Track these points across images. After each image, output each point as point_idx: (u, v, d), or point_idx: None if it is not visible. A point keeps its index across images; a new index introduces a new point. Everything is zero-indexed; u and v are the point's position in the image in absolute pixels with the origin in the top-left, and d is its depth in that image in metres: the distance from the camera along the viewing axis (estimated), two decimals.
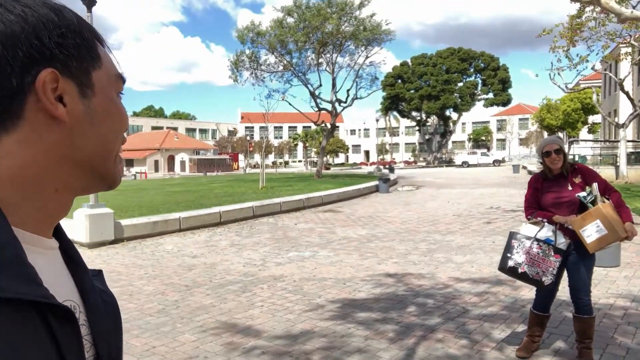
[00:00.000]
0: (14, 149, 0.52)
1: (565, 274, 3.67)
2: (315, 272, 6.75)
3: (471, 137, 79.81)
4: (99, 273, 0.69)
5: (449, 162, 59.85)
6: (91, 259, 7.78)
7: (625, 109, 29.28)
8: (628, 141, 22.08)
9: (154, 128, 75.99)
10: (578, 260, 3.55)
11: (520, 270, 3.57)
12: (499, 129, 79.13)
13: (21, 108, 0.51)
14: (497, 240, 8.61)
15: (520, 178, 26.78)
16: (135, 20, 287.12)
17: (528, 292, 5.23)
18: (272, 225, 11.44)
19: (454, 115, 62.42)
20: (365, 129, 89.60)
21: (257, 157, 67.01)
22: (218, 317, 4.91)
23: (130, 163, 58.60)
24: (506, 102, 59.56)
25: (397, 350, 3.95)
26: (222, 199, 15.93)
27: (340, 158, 78.66)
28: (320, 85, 31.80)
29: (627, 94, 20.68)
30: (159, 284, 6.31)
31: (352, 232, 10.14)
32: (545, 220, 3.63)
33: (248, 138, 66.91)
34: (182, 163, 57.94)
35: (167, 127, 75.26)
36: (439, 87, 57.92)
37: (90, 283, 0.63)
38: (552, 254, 3.53)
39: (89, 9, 9.29)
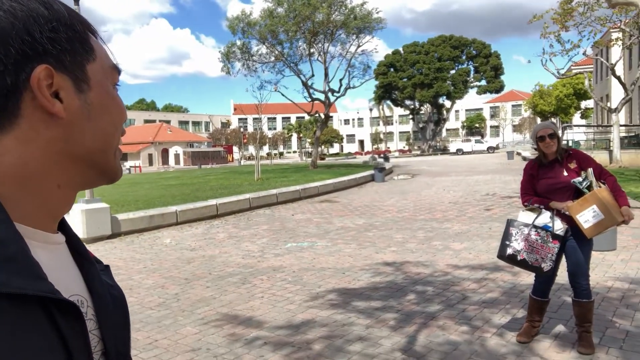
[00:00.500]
0: (12, 147, 0.51)
1: (563, 259, 3.70)
2: (314, 262, 6.78)
3: (465, 124, 79.88)
4: (106, 268, 0.69)
5: (444, 150, 59.94)
6: None
7: (617, 93, 29.37)
8: (621, 125, 22.18)
9: (146, 121, 75.42)
10: (576, 245, 3.58)
11: (519, 258, 3.60)
12: (492, 116, 79.20)
13: (17, 106, 0.51)
14: (493, 227, 8.66)
15: (515, 164, 26.88)
16: (124, 12, 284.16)
17: (527, 278, 5.28)
18: (269, 217, 11.45)
19: (447, 103, 62.42)
20: (359, 119, 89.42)
21: (251, 149, 66.82)
22: (219, 309, 4.92)
23: (124, 157, 58.08)
24: (499, 89, 59.61)
25: (399, 338, 3.99)
26: (218, 191, 15.90)
27: (335, 148, 78.59)
28: (313, 75, 31.70)
29: (618, 78, 20.76)
30: (158, 277, 6.31)
31: (350, 222, 10.17)
32: (542, 206, 3.65)
33: (242, 130, 66.61)
34: (176, 156, 57.70)
35: (160, 120, 74.73)
36: (432, 75, 57.84)
37: (98, 277, 0.63)
38: (551, 240, 3.55)
39: (76, 2, 9.17)
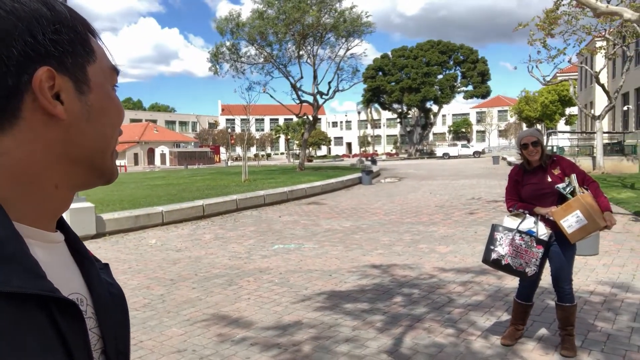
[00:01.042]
0: (12, 148, 0.51)
1: (547, 263, 3.76)
2: (301, 264, 6.78)
3: (451, 129, 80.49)
4: (105, 266, 0.68)
5: (430, 154, 60.32)
6: None
7: (601, 101, 29.92)
8: (604, 132, 22.53)
9: (132, 120, 74.65)
10: (560, 250, 3.63)
11: (503, 262, 3.65)
12: (479, 121, 79.94)
13: (18, 107, 0.51)
14: (479, 231, 8.75)
15: (500, 169, 27.16)
16: (112, 10, 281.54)
17: (511, 282, 5.34)
18: (256, 218, 11.42)
19: (435, 108, 62.91)
20: (347, 121, 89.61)
21: (238, 150, 66.54)
22: (205, 310, 4.90)
23: None
24: (485, 94, 60.25)
25: (385, 340, 4.01)
26: (205, 192, 15.82)
27: (323, 150, 78.58)
28: (302, 77, 31.91)
29: (602, 86, 21.09)
30: (143, 278, 6.26)
31: (337, 224, 10.19)
32: (526, 212, 3.70)
33: (229, 130, 66.33)
34: (163, 156, 57.23)
35: (146, 120, 74.04)
36: (420, 79, 58.25)
37: (97, 276, 0.63)
38: (535, 245, 3.60)
39: None
